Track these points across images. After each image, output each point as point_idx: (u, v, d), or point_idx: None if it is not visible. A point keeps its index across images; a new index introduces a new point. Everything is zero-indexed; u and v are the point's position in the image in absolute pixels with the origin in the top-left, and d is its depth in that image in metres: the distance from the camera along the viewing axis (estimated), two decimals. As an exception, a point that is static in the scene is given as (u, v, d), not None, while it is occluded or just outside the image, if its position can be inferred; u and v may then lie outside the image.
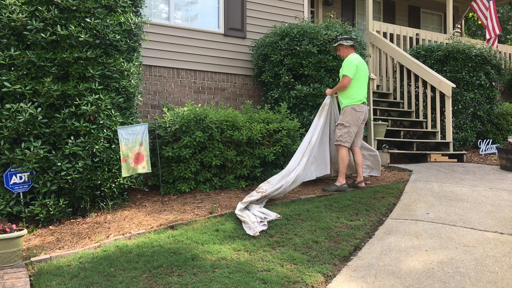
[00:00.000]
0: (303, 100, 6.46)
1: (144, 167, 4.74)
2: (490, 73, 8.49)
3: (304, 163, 5.26)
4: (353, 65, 5.44)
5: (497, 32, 10.57)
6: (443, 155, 7.29)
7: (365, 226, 4.06)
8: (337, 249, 3.55)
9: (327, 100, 5.72)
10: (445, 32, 12.06)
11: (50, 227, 4.41)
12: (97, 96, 4.58)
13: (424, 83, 8.13)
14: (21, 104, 4.28)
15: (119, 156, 4.69)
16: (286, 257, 3.42)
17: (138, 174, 4.96)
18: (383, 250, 3.48)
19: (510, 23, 22.27)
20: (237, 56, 7.67)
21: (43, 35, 4.42)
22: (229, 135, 5.47)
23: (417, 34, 10.01)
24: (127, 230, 4.14)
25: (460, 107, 8.28)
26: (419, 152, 7.36)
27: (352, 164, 5.80)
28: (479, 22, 14.18)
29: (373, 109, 7.74)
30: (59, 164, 4.37)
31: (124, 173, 4.60)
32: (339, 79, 6.56)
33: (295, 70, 6.66)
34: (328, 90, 5.76)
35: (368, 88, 7.11)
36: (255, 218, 4.16)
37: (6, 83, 4.27)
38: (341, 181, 5.42)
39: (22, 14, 4.36)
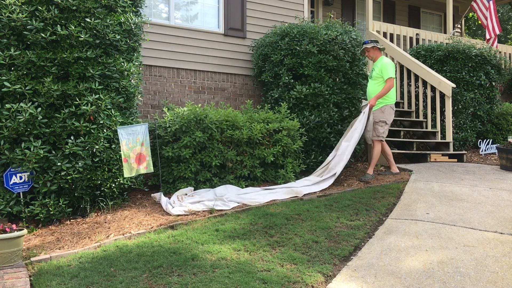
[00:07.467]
0: (303, 100, 6.45)
1: (146, 167, 4.74)
2: (490, 73, 8.48)
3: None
4: (393, 66, 5.94)
5: (497, 32, 10.57)
6: (443, 155, 7.29)
7: (365, 226, 4.06)
8: (337, 249, 3.55)
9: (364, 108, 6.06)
10: (445, 32, 12.06)
11: (50, 227, 4.41)
12: (97, 96, 4.58)
13: (424, 83, 8.13)
14: (21, 104, 4.28)
15: (119, 156, 4.69)
16: (286, 257, 3.42)
17: (139, 174, 4.96)
18: (383, 250, 3.48)
19: (510, 23, 22.27)
20: (237, 56, 7.67)
21: (43, 35, 4.42)
22: (229, 135, 5.47)
23: (417, 34, 10.00)
24: (127, 230, 4.14)
25: (460, 107, 8.28)
26: (419, 152, 7.35)
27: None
28: (479, 22, 14.17)
29: (373, 109, 7.73)
30: (59, 164, 4.37)
31: (126, 174, 4.60)
32: (366, 80, 6.82)
33: (295, 70, 6.65)
34: (373, 100, 5.97)
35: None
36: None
37: (6, 83, 4.27)
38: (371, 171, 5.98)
39: (22, 14, 4.36)
